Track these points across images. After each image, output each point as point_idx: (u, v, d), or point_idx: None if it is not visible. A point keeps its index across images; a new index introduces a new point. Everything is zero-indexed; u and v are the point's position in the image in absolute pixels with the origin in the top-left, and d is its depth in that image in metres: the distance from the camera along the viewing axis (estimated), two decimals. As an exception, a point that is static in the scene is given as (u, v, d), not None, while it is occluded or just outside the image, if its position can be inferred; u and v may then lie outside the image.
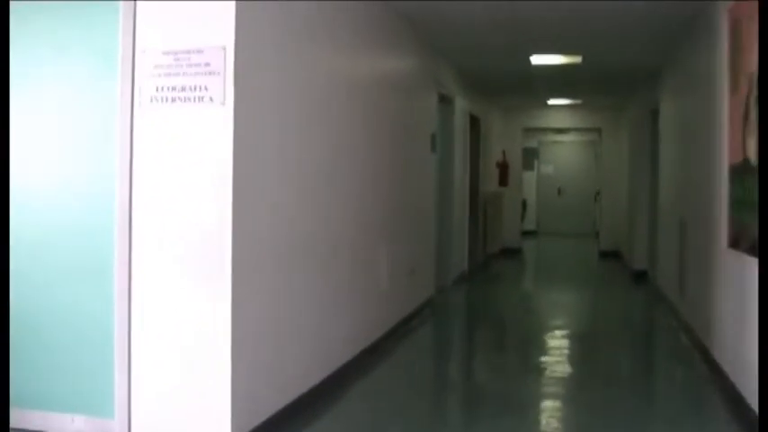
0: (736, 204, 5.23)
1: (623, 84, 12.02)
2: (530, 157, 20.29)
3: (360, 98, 6.28)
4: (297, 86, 4.84)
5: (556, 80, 11.88)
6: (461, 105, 11.11)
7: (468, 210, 12.05)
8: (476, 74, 11.30)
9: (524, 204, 19.65)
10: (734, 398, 5.20)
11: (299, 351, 4.93)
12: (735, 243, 5.25)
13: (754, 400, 4.66)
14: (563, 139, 20.52)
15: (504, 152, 15.50)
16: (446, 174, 10.42)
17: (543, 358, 7.10)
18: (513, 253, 15.47)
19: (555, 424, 5.24)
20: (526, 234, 19.63)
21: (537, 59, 9.87)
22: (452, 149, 10.43)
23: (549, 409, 5.61)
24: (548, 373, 6.51)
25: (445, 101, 10.26)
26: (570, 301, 10.60)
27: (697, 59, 7.35)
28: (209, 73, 3.98)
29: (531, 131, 18.32)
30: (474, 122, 12.47)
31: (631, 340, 8.11)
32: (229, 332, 3.97)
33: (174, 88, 4.04)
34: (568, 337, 8.04)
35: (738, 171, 5.09)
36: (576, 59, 9.87)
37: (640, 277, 11.69)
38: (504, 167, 15.30)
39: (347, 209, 5.94)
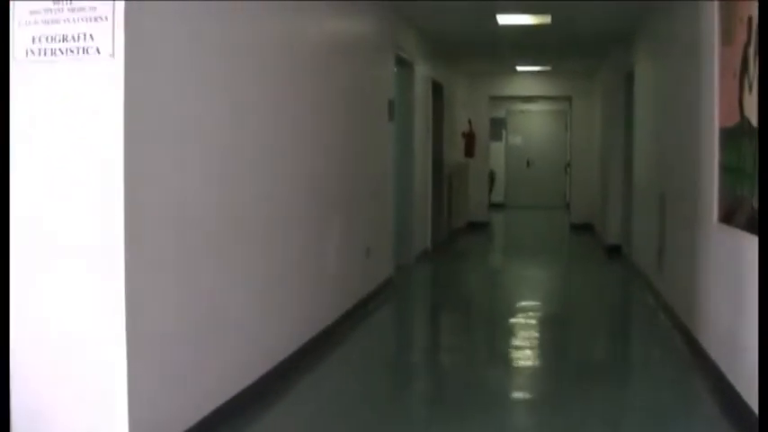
0: (728, 173, 4.57)
1: (595, 47, 11.34)
2: (497, 127, 19.59)
3: (304, 60, 5.54)
4: (220, 42, 4.10)
5: (524, 43, 11.17)
6: (423, 71, 10.39)
7: (432, 182, 11.36)
8: (439, 36, 10.57)
9: (492, 176, 19.02)
10: (723, 387, 4.57)
11: (227, 349, 4.22)
12: (727, 218, 4.59)
13: (746, 391, 4.05)
14: (532, 108, 19.88)
15: (470, 121, 14.80)
16: (406, 144, 9.71)
17: (512, 345, 6.45)
18: (480, 227, 14.82)
19: (525, 422, 4.59)
20: (494, 207, 19.03)
21: (504, 19, 9.16)
22: (413, 118, 9.72)
23: (519, 404, 4.96)
24: (516, 362, 5.86)
25: (405, 65, 9.52)
26: (541, 278, 9.96)
27: (678, 12, 6.67)
28: (95, 18, 3.22)
29: (498, 100, 17.63)
30: (437, 90, 11.75)
31: (607, 321, 7.49)
32: (124, 334, 3.24)
33: (53, 38, 3.28)
34: (539, 319, 7.40)
35: (733, 135, 4.41)
36: (545, 20, 9.16)
37: (614, 252, 11.09)
38: (470, 138, 14.61)
39: (291, 183, 5.22)
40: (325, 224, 6.11)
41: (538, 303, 8.18)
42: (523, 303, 8.15)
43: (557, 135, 19.80)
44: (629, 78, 10.39)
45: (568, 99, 15.27)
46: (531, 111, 19.94)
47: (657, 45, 7.95)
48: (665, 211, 7.24)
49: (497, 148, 19.60)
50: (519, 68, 14.21)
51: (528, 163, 20.01)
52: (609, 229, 11.31)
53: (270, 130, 4.87)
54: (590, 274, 9.99)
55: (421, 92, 10.24)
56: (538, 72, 14.67)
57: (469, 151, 14.61)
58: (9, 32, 3.04)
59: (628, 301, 8.49)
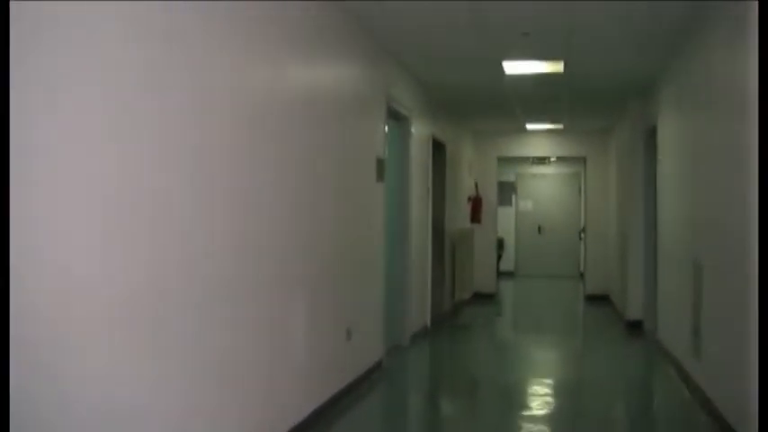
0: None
1: (611, 100, 10.30)
2: (507, 191, 18.59)
3: (267, 110, 4.48)
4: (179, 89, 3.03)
5: (534, 97, 10.15)
6: (421, 127, 9.33)
7: (432, 250, 10.23)
8: (439, 88, 9.55)
9: (501, 243, 17.96)
10: None
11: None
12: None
13: None
14: (543, 171, 18.83)
15: (476, 184, 13.72)
16: (401, 208, 8.61)
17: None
18: (487, 299, 13.64)
19: None
20: (504, 275, 17.95)
21: (511, 67, 8.14)
22: (409, 179, 8.63)
23: None
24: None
25: (400, 120, 8.48)
26: (553, 360, 8.74)
27: (713, 54, 5.61)
28: None
29: (507, 161, 16.59)
30: (438, 148, 10.70)
31: (633, 422, 6.23)
32: None
33: None
34: (550, 416, 6.17)
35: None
36: (557, 67, 8.16)
37: (635, 328, 9.90)
38: (476, 202, 13.51)
39: (240, 254, 4.11)
40: (291, 302, 4.97)
41: (549, 393, 6.96)
42: (533, 393, 6.94)
43: (570, 199, 18.71)
44: (651, 134, 9.32)
45: (582, 160, 14.19)
46: (543, 174, 18.89)
47: (687, 94, 6.88)
48: (701, 283, 6.10)
49: (507, 214, 18.56)
50: (529, 127, 13.18)
51: (539, 229, 18.88)
52: (629, 303, 10.12)
53: (220, 188, 3.78)
54: (609, 357, 8.76)
55: (419, 150, 9.18)
56: (549, 131, 13.64)
57: (476, 217, 13.50)
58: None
59: (655, 392, 7.26)
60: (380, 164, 7.23)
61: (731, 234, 5.08)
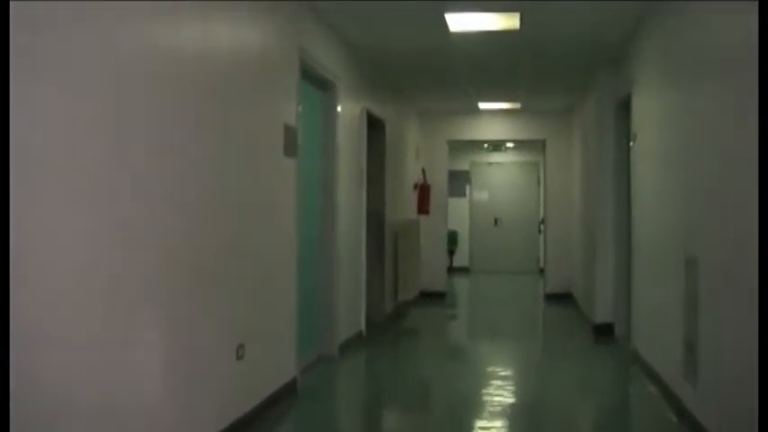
0: None
1: (576, 69, 8.90)
2: (461, 181, 17.23)
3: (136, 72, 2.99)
4: None
5: (486, 65, 8.71)
6: (352, 98, 7.86)
7: (369, 244, 8.79)
8: (372, 51, 8.08)
9: (455, 237, 16.61)
10: None
11: None
12: None
13: None
14: (500, 159, 17.47)
15: (423, 171, 12.27)
16: (326, 192, 7.14)
17: None
18: (436, 298, 12.21)
19: None
20: (457, 272, 16.63)
21: (456, 22, 6.71)
22: (334, 158, 7.15)
23: None
24: None
25: (324, 88, 7.01)
26: (510, 374, 7.29)
27: (701, 12, 4.23)
28: None
29: (460, 148, 15.23)
30: (376, 127, 9.23)
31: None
32: None
33: None
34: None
35: None
36: (512, 22, 6.74)
37: (604, 333, 8.53)
38: (423, 190, 12.06)
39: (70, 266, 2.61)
40: (137, 317, 3.48)
41: (503, 423, 5.51)
42: (483, 425, 5.49)
43: (528, 189, 17.37)
44: (623, 108, 7.96)
45: (541, 144, 12.79)
46: (499, 162, 17.52)
47: (674, 54, 5.48)
48: (695, 283, 4.70)
49: (461, 205, 17.25)
50: (482, 106, 11.76)
51: (496, 221, 17.52)
52: (597, 304, 8.73)
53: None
54: (577, 371, 7.35)
55: (349, 125, 7.70)
56: (505, 111, 12.23)
57: (423, 207, 12.05)
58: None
59: (636, 417, 5.84)
60: (290, 134, 5.74)
61: (738, 222, 3.69)
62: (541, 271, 15.04)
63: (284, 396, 5.61)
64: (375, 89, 8.95)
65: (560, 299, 11.94)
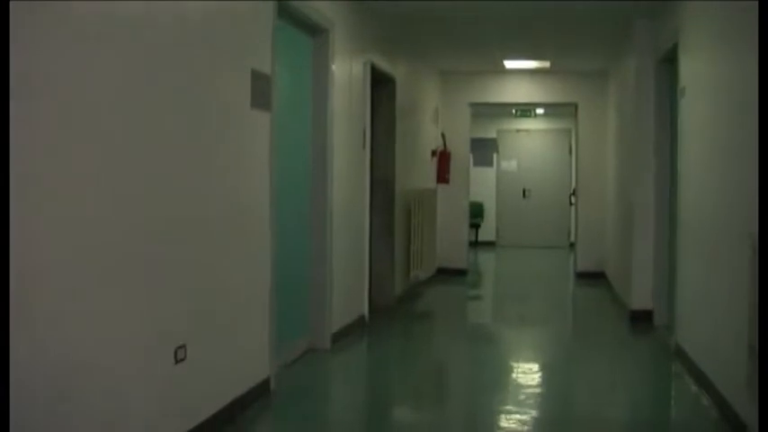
0: None
1: (611, 19, 7.73)
2: (487, 150, 16.15)
3: None
4: None
5: (511, 14, 7.58)
6: (351, 48, 6.79)
7: (376, 217, 7.78)
8: (377, -5, 6.98)
9: (480, 210, 15.57)
10: None
11: None
12: None
13: None
14: (529, 126, 16.32)
15: (443, 136, 11.18)
16: (316, 158, 6.10)
17: None
18: (457, 276, 11.15)
19: None
20: (483, 246, 15.58)
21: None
22: (326, 118, 6.09)
23: None
24: None
25: (311, 30, 5.94)
26: (535, 375, 6.22)
27: None
28: None
29: (484, 111, 14.07)
30: (385, 84, 8.16)
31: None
32: None
33: None
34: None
35: None
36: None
37: (642, 321, 7.46)
38: (443, 158, 10.97)
39: None
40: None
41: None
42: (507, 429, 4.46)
43: (559, 159, 16.21)
44: (667, 63, 6.82)
45: (573, 108, 11.61)
46: (528, 130, 16.37)
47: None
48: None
49: (487, 176, 16.21)
50: (509, 65, 10.61)
51: (524, 193, 16.39)
52: (634, 288, 7.64)
53: None
54: (612, 369, 6.29)
55: (348, 79, 6.63)
56: (533, 71, 11.08)
57: (442, 175, 10.97)
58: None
59: None
60: (260, 82, 4.69)
61: None
62: (572, 245, 13.95)
63: (251, 402, 4.62)
64: (383, 42, 7.86)
65: (592, 278, 10.85)
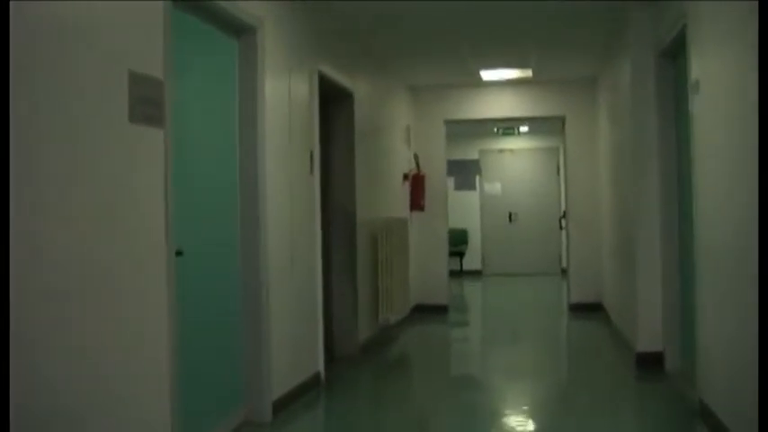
0: None
1: (602, 9, 6.62)
2: (469, 172, 15.08)
3: None
4: None
5: (485, 16, 6.47)
6: (290, 53, 5.63)
7: (334, 251, 6.63)
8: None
9: (464, 236, 14.47)
10: None
11: None
12: None
13: None
14: (513, 145, 15.22)
15: (416, 157, 10.02)
16: (245, 182, 4.91)
17: None
18: (435, 313, 9.97)
19: None
20: (468, 275, 14.46)
21: None
22: (254, 134, 4.91)
23: None
24: None
25: (234, 29, 4.78)
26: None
27: None
28: None
29: (462, 130, 12.96)
30: (341, 100, 7.02)
31: None
32: None
33: None
34: None
35: None
36: None
37: (650, 365, 6.27)
38: (416, 182, 9.81)
39: None
40: None
41: None
42: None
43: (547, 179, 15.10)
44: (670, 59, 5.70)
45: (560, 122, 10.47)
46: (512, 149, 15.28)
47: None
48: None
49: (470, 200, 15.07)
50: (486, 76, 9.49)
51: (510, 217, 15.26)
52: (639, 325, 6.46)
53: None
54: (614, 424, 5.09)
55: (284, 89, 5.46)
56: (514, 82, 9.95)
57: (417, 201, 9.81)
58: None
59: None
60: (146, 89, 3.51)
61: None
62: (563, 272, 12.84)
63: None
64: (337, 51, 6.72)
65: (588, 311, 9.68)
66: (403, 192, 9.45)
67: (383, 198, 8.34)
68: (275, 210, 5.13)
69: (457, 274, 14.74)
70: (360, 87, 7.38)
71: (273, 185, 5.09)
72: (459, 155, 14.80)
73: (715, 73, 4.42)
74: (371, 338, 7.58)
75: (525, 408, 5.68)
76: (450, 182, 14.10)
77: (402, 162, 9.46)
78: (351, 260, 7.07)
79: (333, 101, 7.02)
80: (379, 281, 7.67)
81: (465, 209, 15.03)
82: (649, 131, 6.27)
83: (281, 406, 5.14)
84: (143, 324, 3.47)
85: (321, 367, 6.07)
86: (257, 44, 4.94)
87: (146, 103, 3.51)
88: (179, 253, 3.92)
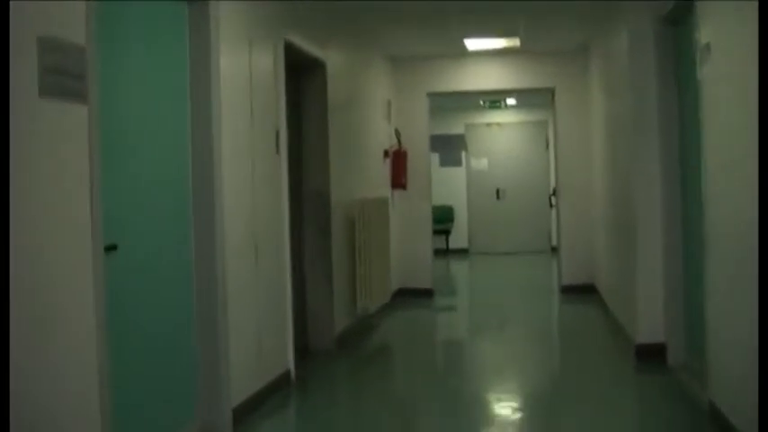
0: None
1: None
2: (455, 147, 14.55)
3: None
4: None
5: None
6: (249, 18, 5.04)
7: (306, 237, 6.09)
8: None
9: (450, 214, 13.97)
10: None
11: None
12: None
13: None
14: (500, 119, 14.68)
15: (397, 133, 9.45)
16: (199, 169, 4.34)
17: None
18: (419, 297, 9.44)
19: None
20: (455, 254, 13.99)
21: None
22: (209, 112, 4.33)
23: None
24: None
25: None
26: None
27: None
28: None
29: (447, 103, 12.41)
30: (312, 71, 6.45)
31: None
32: None
33: None
34: None
35: None
36: None
37: (650, 357, 5.75)
38: (398, 159, 9.25)
39: None
40: None
41: None
42: None
43: (535, 154, 14.58)
44: (670, 26, 5.15)
45: (550, 94, 9.89)
46: (500, 123, 14.74)
47: None
48: None
49: (456, 176, 14.56)
50: (471, 45, 8.92)
51: (498, 193, 14.73)
52: (639, 314, 5.94)
53: None
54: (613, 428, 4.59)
55: (245, 61, 4.88)
56: (500, 52, 9.37)
57: (398, 180, 9.25)
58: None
59: None
60: (61, 57, 2.94)
61: None
62: (553, 250, 12.39)
63: None
64: (306, 17, 6.13)
65: (580, 293, 9.17)
66: (383, 170, 8.89)
67: (361, 177, 7.78)
68: (234, 195, 4.57)
69: (443, 252, 14.25)
70: (333, 57, 6.80)
71: (232, 169, 4.53)
72: (444, 129, 14.25)
73: (729, 36, 3.87)
74: (349, 329, 7.05)
75: (517, 405, 5.16)
76: (435, 158, 13.59)
77: (382, 138, 8.89)
78: (325, 246, 6.52)
79: (303, 73, 6.45)
80: (357, 267, 7.12)
81: (451, 185, 14.53)
82: (649, 102, 5.72)
83: (244, 413, 4.61)
84: (64, 327, 2.92)
85: (291, 365, 5.54)
86: (210, 11, 4.36)
87: (62, 73, 2.93)
88: (112, 247, 3.37)
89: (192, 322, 4.29)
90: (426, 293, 9.56)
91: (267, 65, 5.23)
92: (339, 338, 6.70)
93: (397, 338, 7.48)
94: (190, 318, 4.28)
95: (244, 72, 4.81)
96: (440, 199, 13.61)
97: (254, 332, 4.87)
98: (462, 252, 14.63)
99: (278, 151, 5.36)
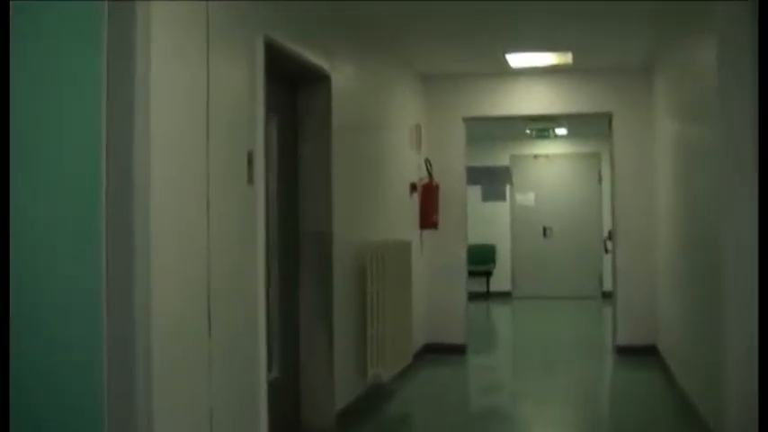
0: None
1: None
2: (498, 180, 13.29)
3: None
4: None
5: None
6: (217, 13, 3.78)
7: (299, 288, 4.80)
8: None
9: (492, 254, 12.72)
10: None
11: None
12: None
13: None
14: (549, 150, 13.36)
15: (427, 164, 8.15)
16: (113, 202, 3.07)
17: None
18: (450, 355, 8.08)
19: None
20: (496, 297, 12.70)
21: None
22: (131, 130, 3.07)
23: None
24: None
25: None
26: None
27: None
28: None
29: (487, 128, 11.10)
30: (310, 84, 5.19)
31: None
32: None
33: None
34: None
35: None
36: None
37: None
38: (428, 193, 7.94)
39: None
40: None
41: None
42: None
43: (588, 189, 13.21)
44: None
45: (606, 119, 8.49)
46: (548, 155, 13.41)
47: None
48: None
49: (500, 212, 13.32)
50: (514, 62, 7.62)
51: (545, 232, 13.37)
52: (727, 394, 4.55)
53: None
54: None
55: (198, 65, 3.62)
56: (549, 69, 8.05)
57: (428, 218, 7.93)
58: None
59: None
60: None
61: None
62: (605, 295, 11.02)
63: None
64: (302, 17, 4.88)
65: (639, 356, 7.74)
66: (409, 206, 7.59)
67: (377, 216, 6.49)
68: (175, 243, 3.30)
69: (483, 296, 12.94)
70: (341, 69, 5.55)
71: (170, 207, 3.27)
72: (488, 161, 13.05)
73: None
74: (356, 401, 5.73)
75: None
76: (477, 191, 12.44)
77: (409, 169, 7.60)
78: (325, 300, 5.23)
79: (302, 85, 5.20)
80: (368, 326, 5.81)
81: (493, 222, 13.26)
82: (745, 131, 4.36)
83: None
84: None
85: (264, 463, 4.21)
86: (136, 9, 3.11)
87: None
88: None
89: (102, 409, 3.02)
90: (458, 350, 8.20)
91: (238, 73, 3.99)
92: (342, 414, 5.38)
93: (419, 409, 6.15)
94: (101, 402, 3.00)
95: (197, 83, 3.55)
96: (481, 237, 12.48)
97: (207, 411, 3.57)
98: (505, 295, 13.27)
99: (251, 181, 4.09)
